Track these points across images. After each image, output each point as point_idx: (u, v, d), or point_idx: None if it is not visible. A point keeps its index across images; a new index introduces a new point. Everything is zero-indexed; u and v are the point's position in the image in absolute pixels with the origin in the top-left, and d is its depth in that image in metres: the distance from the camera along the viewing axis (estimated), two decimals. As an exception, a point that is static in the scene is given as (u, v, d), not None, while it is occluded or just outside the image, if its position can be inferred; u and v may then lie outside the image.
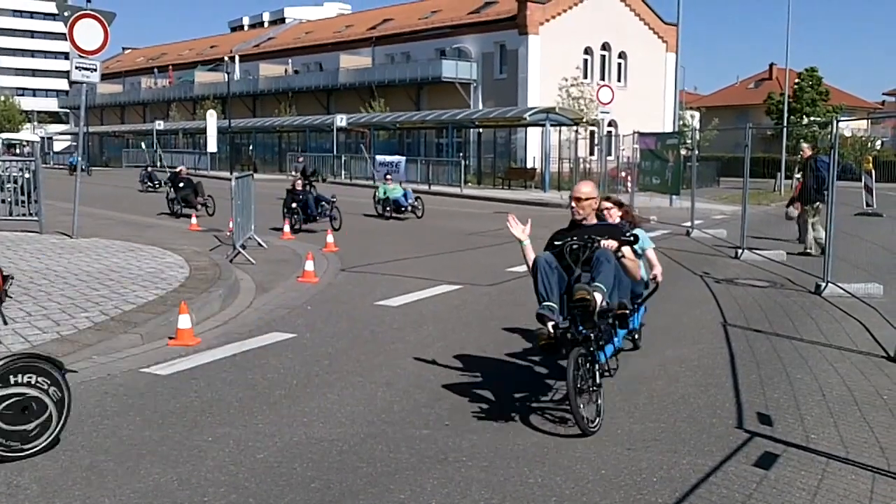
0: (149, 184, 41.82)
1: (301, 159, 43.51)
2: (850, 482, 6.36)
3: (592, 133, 53.88)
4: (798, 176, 25.95)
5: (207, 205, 28.04)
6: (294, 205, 23.46)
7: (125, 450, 6.76)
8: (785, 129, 50.64)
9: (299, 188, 23.99)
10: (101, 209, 27.32)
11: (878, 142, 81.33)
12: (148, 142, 62.02)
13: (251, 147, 70.05)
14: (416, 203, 28.63)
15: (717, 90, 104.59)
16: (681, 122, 50.85)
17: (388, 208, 28.58)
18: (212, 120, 58.75)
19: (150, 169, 44.11)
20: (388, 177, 31.20)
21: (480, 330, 11.52)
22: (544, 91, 56.02)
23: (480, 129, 54.53)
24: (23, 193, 20.50)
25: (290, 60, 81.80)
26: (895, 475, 6.52)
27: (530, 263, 7.94)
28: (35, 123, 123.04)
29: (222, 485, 6.11)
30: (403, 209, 28.39)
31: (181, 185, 28.50)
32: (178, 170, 30.42)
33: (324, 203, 23.99)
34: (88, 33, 18.32)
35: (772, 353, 10.36)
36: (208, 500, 5.88)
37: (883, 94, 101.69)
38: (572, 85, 52.56)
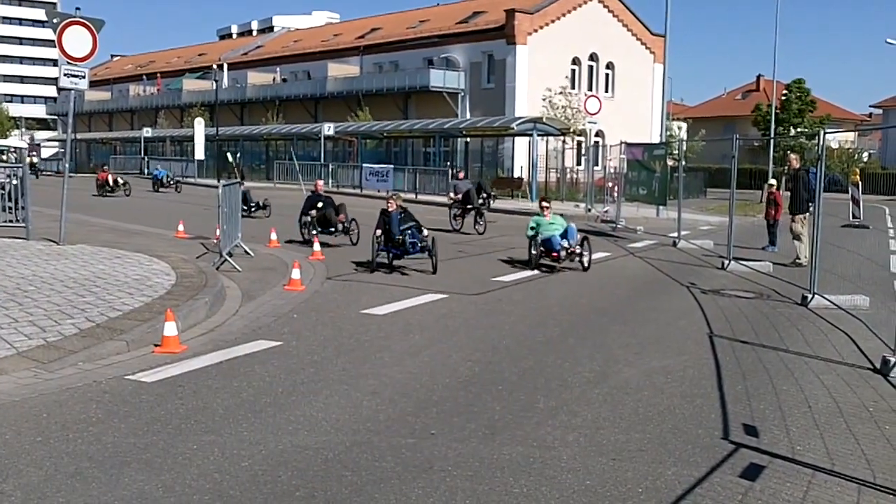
0: (244, 207, 32.11)
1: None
2: (836, 494, 6.36)
3: (580, 143, 53.90)
4: (769, 183, 25.98)
5: (350, 229, 22.49)
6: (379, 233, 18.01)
7: (109, 457, 6.72)
8: (772, 141, 50.77)
9: (392, 208, 18.23)
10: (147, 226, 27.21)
11: (865, 154, 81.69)
12: (233, 151, 58.09)
13: (238, 156, 69.90)
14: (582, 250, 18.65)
15: (705, 101, 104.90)
16: (668, 133, 50.95)
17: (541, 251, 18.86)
18: (199, 127, 58.67)
19: (243, 185, 33.18)
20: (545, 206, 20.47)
21: (466, 339, 11.50)
22: (532, 101, 56.03)
23: (468, 139, 54.57)
24: (10, 200, 20.44)
25: (278, 69, 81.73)
26: (881, 487, 6.52)
27: None
28: (23, 129, 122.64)
29: (207, 493, 6.08)
30: (557, 254, 18.41)
31: (319, 204, 22.78)
32: (315, 185, 24.91)
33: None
34: (77, 40, 18.27)
35: (758, 365, 10.37)
36: (192, 509, 5.86)
37: (870, 106, 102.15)
38: (557, 94, 52.55)
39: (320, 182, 25.34)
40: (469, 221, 27.41)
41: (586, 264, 18.33)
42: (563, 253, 18.14)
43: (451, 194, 28.91)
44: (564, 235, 18.54)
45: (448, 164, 50.27)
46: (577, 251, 18.39)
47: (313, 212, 22.41)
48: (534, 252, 18.39)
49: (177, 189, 49.35)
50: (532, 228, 18.96)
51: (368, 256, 17.73)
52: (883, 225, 33.43)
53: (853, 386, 9.51)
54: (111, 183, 44.39)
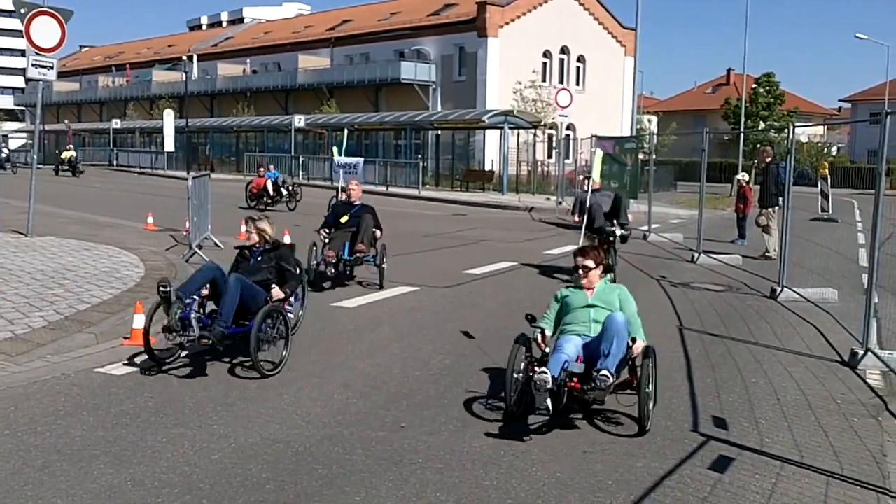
0: (273, 196, 30.86)
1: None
2: (804, 486, 6.40)
3: (551, 136, 53.95)
4: (739, 177, 26.11)
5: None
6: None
7: (78, 450, 6.69)
8: (742, 134, 50.97)
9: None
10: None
11: (834, 148, 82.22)
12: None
13: (208, 147, 69.61)
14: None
15: (675, 95, 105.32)
16: (638, 127, 51.07)
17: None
18: (169, 119, 58.35)
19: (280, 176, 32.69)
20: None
21: (437, 332, 11.50)
22: (503, 94, 56.01)
23: (439, 131, 54.44)
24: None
25: (248, 60, 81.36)
26: (848, 479, 6.56)
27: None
28: None
29: (176, 486, 6.06)
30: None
31: (345, 218, 16.64)
32: (348, 187, 21.17)
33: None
34: (45, 31, 18.12)
35: (727, 357, 10.42)
36: (162, 501, 5.84)
37: (839, 100, 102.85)
38: (526, 87, 52.55)
39: (354, 183, 16.00)
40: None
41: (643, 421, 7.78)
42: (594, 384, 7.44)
43: (575, 216, 17.63)
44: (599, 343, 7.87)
45: (419, 156, 50.10)
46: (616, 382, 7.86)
47: (324, 233, 14.92)
48: (519, 376, 7.66)
49: (293, 198, 31.66)
50: (547, 316, 8.61)
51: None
52: (851, 218, 33.64)
53: (821, 378, 9.57)
54: (271, 192, 30.83)
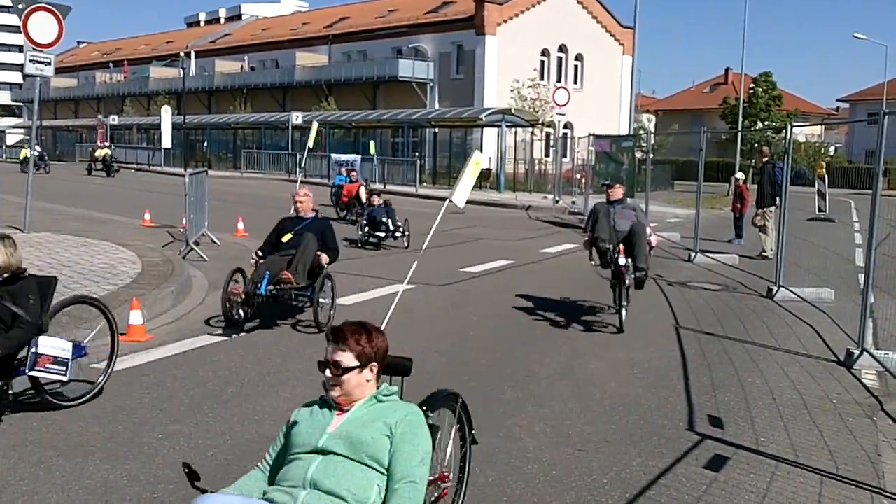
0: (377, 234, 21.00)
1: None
2: (799, 485, 6.41)
3: (548, 135, 53.94)
4: (736, 177, 26.14)
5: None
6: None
7: (74, 446, 6.70)
8: (740, 134, 50.97)
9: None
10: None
11: (832, 147, 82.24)
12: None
13: (206, 144, 69.46)
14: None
15: (673, 94, 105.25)
16: (636, 126, 51.06)
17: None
18: (166, 115, 58.30)
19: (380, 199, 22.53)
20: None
21: (433, 329, 11.51)
22: (501, 92, 56.04)
23: (436, 129, 54.45)
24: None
25: (246, 57, 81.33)
26: (843, 478, 6.57)
27: None
28: None
29: (172, 482, 6.06)
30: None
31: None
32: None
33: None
34: (43, 27, 18.11)
35: (723, 356, 10.43)
36: (157, 497, 5.84)
37: (837, 100, 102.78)
38: (526, 87, 52.56)
39: (303, 192, 12.46)
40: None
41: None
42: None
43: (588, 233, 12.87)
44: None
45: (416, 154, 50.12)
46: None
47: (254, 257, 11.78)
48: None
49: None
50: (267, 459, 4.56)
51: None
52: (848, 218, 33.62)
53: (817, 378, 9.58)
54: (365, 200, 23.79)
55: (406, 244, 20.04)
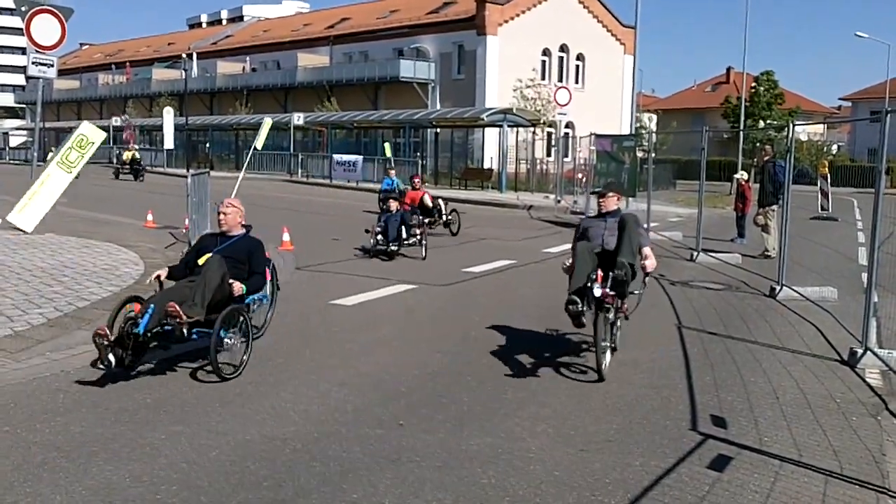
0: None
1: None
2: (803, 485, 6.38)
3: (549, 134, 53.95)
4: (738, 176, 26.12)
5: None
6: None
7: (77, 447, 6.69)
8: (741, 133, 50.94)
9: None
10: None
11: (834, 146, 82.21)
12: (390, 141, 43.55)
13: (208, 145, 69.44)
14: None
15: (675, 93, 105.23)
16: (638, 125, 51.04)
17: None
18: (168, 117, 58.31)
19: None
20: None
21: (434, 330, 11.49)
22: (502, 92, 56.03)
23: (438, 130, 54.42)
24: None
25: (247, 58, 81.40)
26: (847, 478, 6.55)
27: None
28: None
29: (174, 482, 6.06)
30: None
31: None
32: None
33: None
34: (46, 29, 18.15)
35: (726, 356, 10.40)
36: (160, 498, 5.83)
37: (839, 98, 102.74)
38: (527, 87, 52.55)
39: (227, 203, 10.21)
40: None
41: None
42: None
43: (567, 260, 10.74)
44: None
45: (418, 154, 50.15)
46: None
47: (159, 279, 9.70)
48: None
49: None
50: None
51: None
52: (851, 217, 33.63)
53: (821, 377, 9.55)
54: (431, 208, 23.07)
55: (423, 254, 18.35)
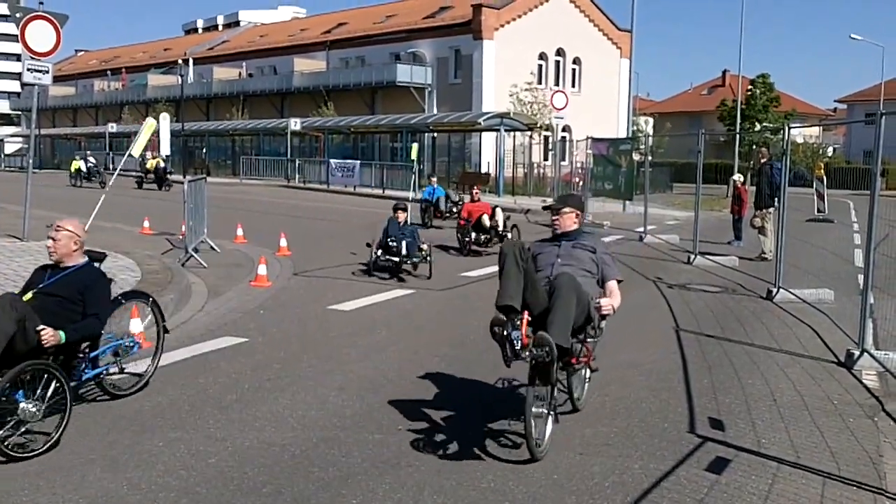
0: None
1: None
2: (801, 486, 6.40)
3: (546, 138, 53.96)
4: (734, 178, 26.15)
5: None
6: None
7: (74, 455, 6.69)
8: (738, 136, 50.98)
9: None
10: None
11: (830, 148, 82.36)
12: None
13: (204, 151, 69.41)
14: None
15: (671, 96, 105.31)
16: (634, 128, 51.08)
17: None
18: (165, 123, 58.06)
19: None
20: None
21: (432, 335, 11.51)
22: (499, 96, 56.03)
23: (435, 134, 54.44)
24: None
25: (244, 63, 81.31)
26: (845, 479, 6.56)
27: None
28: None
29: (173, 490, 6.06)
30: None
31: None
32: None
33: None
34: (41, 35, 18.14)
35: (724, 358, 10.42)
36: (158, 506, 5.84)
37: (835, 100, 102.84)
38: (523, 91, 52.56)
39: (59, 225, 7.96)
40: None
41: None
42: None
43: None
44: None
45: (413, 160, 50.18)
46: None
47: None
48: None
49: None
50: None
51: None
52: (847, 219, 33.63)
53: (818, 379, 9.57)
54: (498, 224, 20.54)
55: (428, 273, 16.42)
